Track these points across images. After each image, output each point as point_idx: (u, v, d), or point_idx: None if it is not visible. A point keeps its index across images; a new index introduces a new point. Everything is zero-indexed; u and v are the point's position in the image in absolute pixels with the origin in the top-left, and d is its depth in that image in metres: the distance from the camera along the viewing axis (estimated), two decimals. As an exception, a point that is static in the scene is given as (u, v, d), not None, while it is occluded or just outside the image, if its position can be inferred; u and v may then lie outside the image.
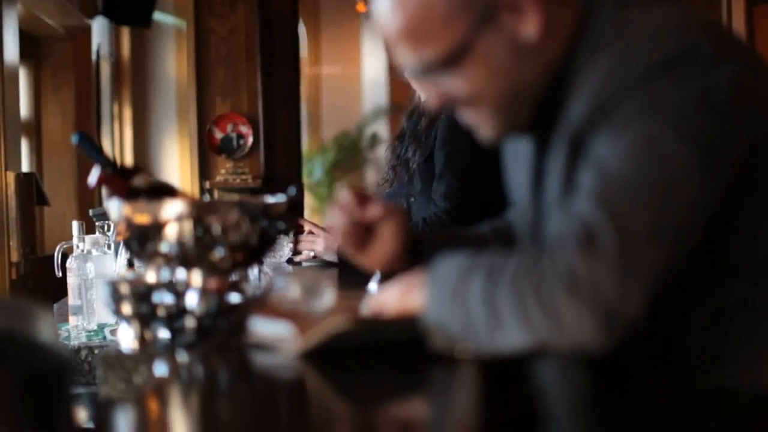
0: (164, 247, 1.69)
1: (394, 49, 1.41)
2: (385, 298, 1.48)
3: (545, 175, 1.46)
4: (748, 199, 1.34)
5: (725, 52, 1.32)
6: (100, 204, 5.14)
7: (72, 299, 2.54)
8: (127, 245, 1.77)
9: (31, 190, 4.59)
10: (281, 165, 6.21)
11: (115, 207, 1.75)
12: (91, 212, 2.71)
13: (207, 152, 6.16)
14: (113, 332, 2.15)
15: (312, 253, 3.29)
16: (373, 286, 1.93)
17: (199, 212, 1.69)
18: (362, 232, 1.65)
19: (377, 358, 1.38)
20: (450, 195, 3.10)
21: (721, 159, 1.29)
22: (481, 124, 1.45)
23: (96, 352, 2.17)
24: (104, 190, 1.82)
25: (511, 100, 1.41)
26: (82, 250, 2.53)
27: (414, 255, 1.66)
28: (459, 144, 3.11)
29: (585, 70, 1.36)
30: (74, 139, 1.75)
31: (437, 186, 3.15)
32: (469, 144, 3.11)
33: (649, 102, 1.28)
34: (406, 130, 3.40)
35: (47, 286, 3.25)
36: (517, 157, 1.58)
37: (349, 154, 9.36)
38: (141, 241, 1.72)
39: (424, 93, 1.46)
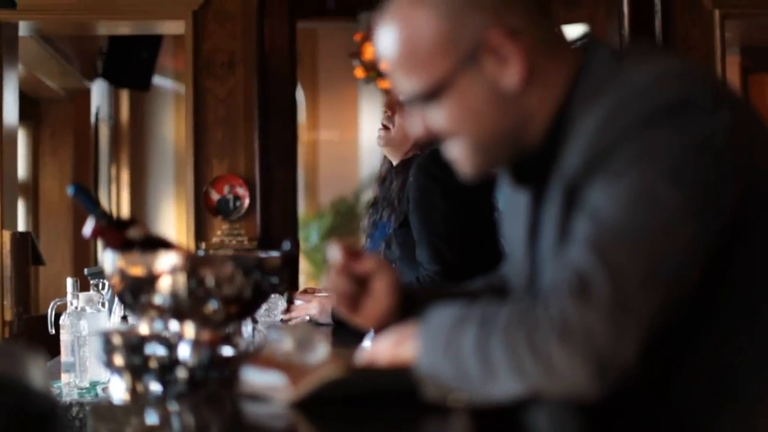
0: (157, 299, 1.69)
1: (390, 76, 1.48)
2: (378, 348, 1.48)
3: (541, 226, 1.46)
4: (746, 245, 1.34)
5: (722, 101, 1.33)
6: (96, 264, 5.14)
7: (65, 356, 2.52)
8: (121, 297, 1.77)
9: (26, 249, 4.60)
10: (277, 228, 6.22)
11: (109, 259, 1.75)
12: (86, 271, 2.71)
13: (203, 213, 6.17)
14: (105, 389, 2.14)
15: (307, 317, 3.29)
16: (366, 344, 1.92)
17: (193, 265, 1.69)
18: (355, 289, 1.64)
19: (369, 408, 1.37)
20: (437, 257, 3.09)
21: (716, 205, 1.29)
22: (458, 159, 1.49)
23: (89, 406, 2.15)
24: (100, 246, 1.82)
25: (487, 142, 1.44)
26: (76, 307, 2.52)
27: (407, 311, 1.65)
28: (432, 204, 3.11)
29: (580, 118, 1.37)
30: (70, 190, 1.75)
31: (421, 251, 3.13)
32: (442, 200, 3.12)
33: (645, 149, 1.29)
34: (379, 196, 3.42)
35: (41, 344, 3.24)
36: (514, 210, 1.59)
37: (345, 220, 9.38)
38: (134, 292, 1.72)
39: (413, 123, 1.48)
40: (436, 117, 1.45)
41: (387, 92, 3.37)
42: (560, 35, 1.49)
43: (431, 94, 1.42)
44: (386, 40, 1.46)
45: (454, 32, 1.40)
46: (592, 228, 1.28)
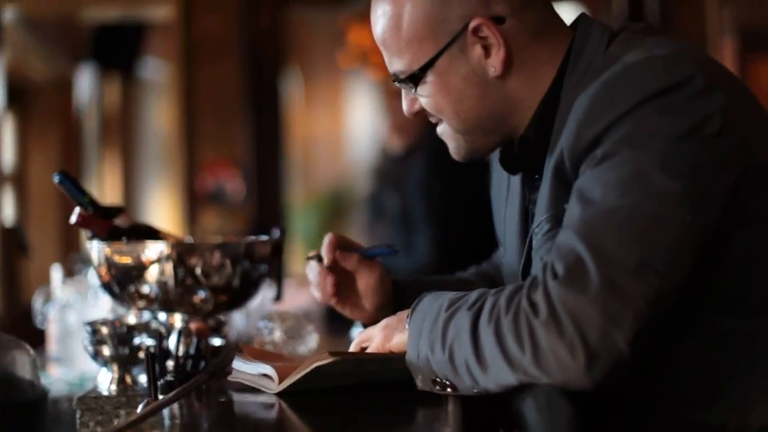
0: (145, 289, 1.67)
1: (383, 54, 1.52)
2: (369, 336, 1.47)
3: (534, 214, 1.44)
4: (741, 232, 1.32)
5: (715, 83, 1.30)
6: (84, 252, 5.10)
7: (52, 348, 2.50)
8: (108, 287, 1.74)
9: (15, 242, 4.57)
10: (268, 215, 6.19)
11: (95, 248, 1.72)
12: (73, 260, 2.68)
13: (194, 202, 6.15)
14: (94, 381, 2.11)
15: (301, 304, 3.27)
16: (356, 331, 1.91)
17: (181, 253, 1.66)
18: (339, 283, 1.64)
19: (358, 398, 1.36)
20: (434, 247, 3.08)
21: (709, 191, 1.26)
22: (446, 139, 1.52)
23: (77, 396, 2.13)
24: (86, 233, 1.79)
25: (470, 125, 1.47)
26: (63, 299, 2.49)
27: (399, 302, 1.64)
28: (435, 194, 3.11)
29: (571, 101, 1.36)
30: (56, 178, 1.72)
31: (419, 240, 3.12)
32: (443, 190, 3.11)
33: (637, 133, 1.27)
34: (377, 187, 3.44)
35: (28, 336, 3.20)
36: (507, 199, 1.57)
37: (336, 207, 9.36)
38: (122, 282, 1.70)
39: (403, 102, 1.51)
40: (423, 98, 1.48)
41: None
42: (553, 18, 1.47)
43: (417, 75, 1.45)
44: (377, 21, 1.50)
45: (441, 16, 1.42)
46: (581, 213, 1.26)
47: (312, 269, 1.66)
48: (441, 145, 1.53)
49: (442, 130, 1.51)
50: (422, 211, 3.13)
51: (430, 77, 1.45)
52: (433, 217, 3.12)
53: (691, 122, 1.26)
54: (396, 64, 1.48)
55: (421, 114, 1.51)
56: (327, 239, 1.66)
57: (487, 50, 1.42)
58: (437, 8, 1.42)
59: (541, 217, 1.40)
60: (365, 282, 1.66)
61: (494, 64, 1.42)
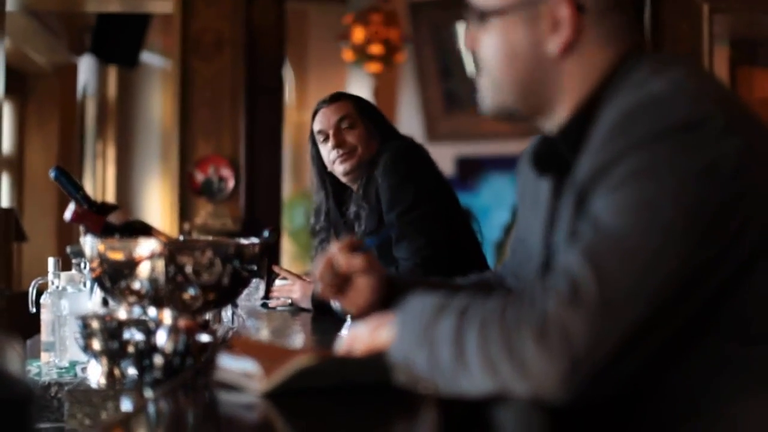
0: (136, 285, 1.71)
1: None
2: (356, 333, 1.50)
3: (558, 220, 1.48)
4: (742, 268, 1.34)
5: (735, 125, 1.33)
6: (79, 242, 5.12)
7: (45, 335, 2.53)
8: (100, 282, 1.79)
9: (9, 226, 4.59)
10: (261, 209, 6.22)
11: (89, 243, 1.76)
12: (68, 249, 2.71)
13: (188, 194, 6.17)
14: (84, 369, 2.15)
15: (288, 301, 3.29)
16: (345, 332, 1.94)
17: (172, 251, 1.70)
18: (341, 281, 1.71)
19: (341, 399, 1.38)
20: (415, 251, 3.10)
21: (715, 231, 1.29)
22: (481, 90, 1.56)
23: (66, 389, 2.16)
24: (81, 227, 1.83)
25: (508, 86, 1.51)
26: (57, 287, 2.53)
27: (393, 301, 1.67)
28: (406, 201, 3.12)
29: (600, 119, 1.38)
30: (52, 173, 1.76)
31: (399, 247, 3.14)
32: (415, 197, 3.13)
33: (653, 164, 1.29)
34: (323, 203, 3.44)
35: (22, 322, 3.24)
36: (533, 197, 1.61)
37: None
38: (114, 278, 1.74)
39: (467, 36, 1.58)
40: (481, 40, 1.52)
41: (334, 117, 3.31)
42: (630, 31, 1.49)
43: (482, 17, 1.50)
44: None
45: None
46: (589, 234, 1.29)
47: (318, 262, 1.73)
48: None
49: (482, 78, 1.55)
50: (398, 223, 3.15)
51: (496, 23, 1.49)
52: (409, 227, 3.14)
53: (706, 161, 1.28)
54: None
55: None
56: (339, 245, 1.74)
57: (554, 28, 1.45)
58: None
59: (563, 228, 1.44)
60: (366, 280, 1.74)
61: (554, 43, 1.46)
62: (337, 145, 3.28)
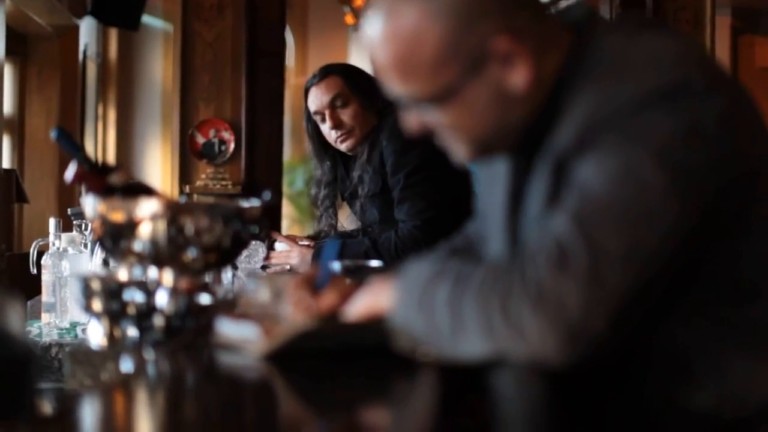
0: (137, 246, 1.71)
1: (382, 76, 1.44)
2: (355, 298, 1.49)
3: (526, 197, 1.47)
4: (733, 227, 1.35)
5: (716, 86, 1.34)
6: (80, 204, 5.14)
7: (45, 296, 2.54)
8: (101, 242, 1.79)
9: (10, 186, 4.60)
10: (262, 173, 6.21)
11: (90, 204, 1.76)
12: (69, 211, 2.72)
13: (188, 156, 6.17)
14: (85, 330, 2.16)
15: (287, 267, 3.30)
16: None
17: (173, 212, 1.70)
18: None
19: (340, 362, 1.39)
20: (416, 213, 3.12)
21: (702, 191, 1.30)
22: (456, 149, 1.48)
23: (67, 349, 2.18)
24: (82, 188, 1.83)
25: (489, 138, 1.45)
26: (58, 248, 2.53)
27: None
28: (411, 165, 3.14)
29: (576, 95, 1.37)
30: (53, 134, 1.76)
31: (400, 209, 3.16)
32: (420, 161, 3.14)
33: (637, 130, 1.30)
34: (327, 173, 3.44)
35: (23, 283, 3.25)
36: (492, 178, 1.60)
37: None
38: (114, 238, 1.74)
39: (406, 121, 1.45)
40: (437, 118, 1.43)
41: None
42: (554, 18, 1.47)
43: (434, 100, 1.40)
44: (383, 41, 1.41)
45: (461, 40, 1.36)
46: (577, 200, 1.30)
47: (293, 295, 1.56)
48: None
49: (449, 140, 1.46)
50: (401, 185, 3.16)
51: (450, 100, 1.39)
52: (412, 190, 3.15)
53: (690, 123, 1.29)
54: (406, 89, 1.41)
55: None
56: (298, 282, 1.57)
57: (509, 67, 1.38)
58: (457, 31, 1.36)
59: (534, 204, 1.43)
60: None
61: (518, 79, 1.38)
62: (334, 126, 3.29)
